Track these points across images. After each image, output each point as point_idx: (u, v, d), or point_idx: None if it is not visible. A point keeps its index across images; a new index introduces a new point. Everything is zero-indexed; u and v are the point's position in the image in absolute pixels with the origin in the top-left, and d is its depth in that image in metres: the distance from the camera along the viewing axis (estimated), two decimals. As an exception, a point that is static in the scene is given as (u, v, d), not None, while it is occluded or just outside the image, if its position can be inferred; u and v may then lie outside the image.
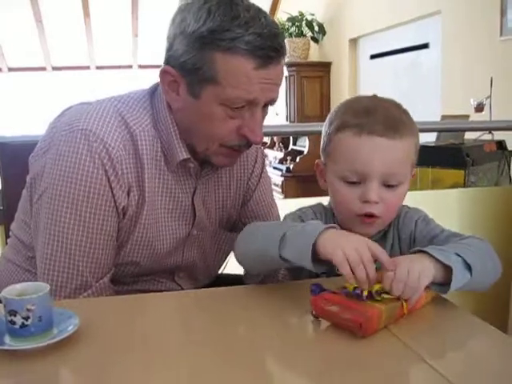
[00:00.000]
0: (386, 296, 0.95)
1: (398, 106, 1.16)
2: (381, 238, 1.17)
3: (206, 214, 1.32)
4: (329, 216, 1.20)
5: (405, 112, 1.16)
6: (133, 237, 1.22)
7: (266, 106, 1.19)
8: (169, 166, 1.23)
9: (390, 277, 0.94)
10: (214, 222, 1.35)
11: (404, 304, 0.95)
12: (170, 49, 1.16)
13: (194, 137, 1.20)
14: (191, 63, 1.12)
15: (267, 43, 1.10)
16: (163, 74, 1.17)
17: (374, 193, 1.08)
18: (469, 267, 0.99)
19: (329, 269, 1.00)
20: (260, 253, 1.09)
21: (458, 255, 1.00)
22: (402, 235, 1.17)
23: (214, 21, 1.09)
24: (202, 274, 1.41)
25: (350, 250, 0.93)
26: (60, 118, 1.26)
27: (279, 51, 1.13)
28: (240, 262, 1.19)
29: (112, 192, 1.16)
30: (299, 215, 1.19)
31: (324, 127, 1.18)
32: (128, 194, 1.19)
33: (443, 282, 0.98)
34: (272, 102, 1.18)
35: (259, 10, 1.14)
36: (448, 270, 0.97)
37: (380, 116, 1.09)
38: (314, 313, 0.96)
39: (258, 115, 1.16)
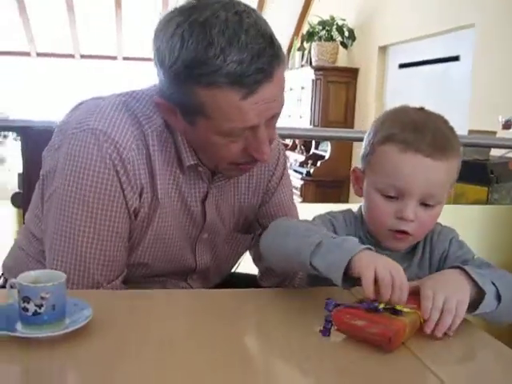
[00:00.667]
0: (405, 309, 0.93)
1: (446, 123, 1.13)
2: (409, 252, 1.15)
3: (220, 219, 1.29)
4: (358, 224, 1.18)
5: (452, 130, 1.12)
6: (145, 239, 1.20)
7: (271, 119, 1.11)
8: (180, 168, 1.20)
9: (428, 301, 0.94)
10: (228, 226, 1.33)
11: (420, 316, 0.94)
12: (158, 75, 1.10)
13: (202, 156, 1.18)
14: (178, 97, 1.07)
15: (251, 68, 1.00)
16: (157, 104, 1.14)
17: (411, 211, 1.06)
18: (499, 298, 0.99)
19: (353, 284, 0.98)
20: (289, 253, 1.05)
21: (493, 284, 0.99)
22: (435, 251, 1.15)
23: (187, 51, 1.00)
24: (214, 276, 1.39)
25: (383, 269, 0.92)
26: (73, 112, 1.23)
27: (268, 69, 1.02)
28: (264, 255, 1.16)
29: (123, 193, 1.13)
30: (329, 219, 1.18)
31: (368, 135, 1.15)
32: (140, 196, 1.16)
33: (470, 304, 0.97)
34: (275, 116, 1.11)
35: (239, 24, 1.01)
36: (479, 293, 0.97)
37: (428, 134, 1.06)
38: (335, 327, 0.93)
39: (261, 135, 1.09)
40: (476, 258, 1.14)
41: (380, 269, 0.92)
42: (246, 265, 1.45)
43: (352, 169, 1.18)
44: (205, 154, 1.17)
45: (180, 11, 1.04)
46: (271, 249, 1.13)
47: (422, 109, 1.15)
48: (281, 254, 1.09)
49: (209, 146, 1.12)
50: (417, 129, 1.07)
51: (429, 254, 1.15)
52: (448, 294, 0.94)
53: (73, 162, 1.13)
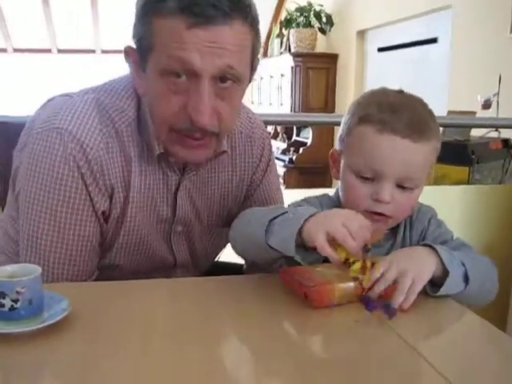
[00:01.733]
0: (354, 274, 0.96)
1: (424, 106, 1.12)
2: (391, 230, 1.15)
3: (195, 211, 1.26)
4: (335, 207, 1.17)
5: (430, 113, 1.12)
6: (118, 239, 1.18)
7: (225, 81, 1.03)
8: (151, 161, 1.16)
9: (377, 271, 0.96)
10: (205, 219, 1.30)
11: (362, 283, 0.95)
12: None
13: (154, 128, 1.12)
14: (137, 34, 1.06)
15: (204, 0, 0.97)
16: (126, 54, 1.11)
17: (387, 193, 1.05)
18: (467, 280, 0.99)
19: (318, 258, 0.98)
20: (249, 238, 1.05)
21: (463, 265, 1.00)
22: (414, 231, 1.15)
23: None
24: (197, 269, 1.36)
25: (334, 227, 0.92)
26: (41, 110, 1.20)
27: (222, 10, 0.98)
28: (233, 246, 1.15)
29: (90, 196, 1.10)
30: (303, 205, 1.16)
31: (345, 116, 1.14)
32: (111, 197, 1.13)
33: (435, 282, 0.99)
34: (227, 71, 1.02)
35: None
36: (445, 273, 0.98)
37: (405, 115, 1.05)
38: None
39: (202, 89, 1.01)
40: (455, 238, 1.14)
41: (330, 228, 0.92)
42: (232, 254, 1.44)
43: (330, 151, 1.18)
44: (153, 118, 1.11)
45: None
46: (236, 239, 1.13)
47: (401, 91, 1.14)
48: (245, 242, 1.09)
49: (153, 98, 1.07)
50: (394, 110, 1.06)
51: (409, 233, 1.15)
52: (406, 268, 0.94)
53: (36, 162, 1.09)
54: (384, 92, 1.14)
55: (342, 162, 1.13)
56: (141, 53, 1.06)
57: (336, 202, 1.18)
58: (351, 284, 0.96)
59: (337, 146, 1.17)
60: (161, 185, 1.19)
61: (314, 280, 0.95)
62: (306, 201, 1.17)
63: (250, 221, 1.08)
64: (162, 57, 1.01)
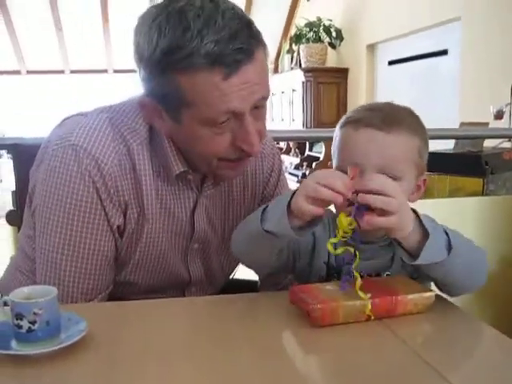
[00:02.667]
0: (360, 293, 0.95)
1: (406, 109, 1.15)
2: (390, 244, 1.14)
3: (211, 228, 1.27)
4: (334, 222, 1.17)
5: (412, 114, 1.15)
6: (134, 256, 1.19)
7: (257, 108, 1.08)
8: (167, 179, 1.18)
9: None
10: (221, 235, 1.31)
11: (369, 306, 0.95)
12: (139, 75, 1.09)
13: (191, 158, 1.15)
14: (159, 90, 1.05)
15: (229, 47, 0.98)
16: (141, 106, 1.12)
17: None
18: (449, 248, 0.98)
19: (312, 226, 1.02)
20: (248, 235, 1.09)
21: (446, 234, 0.99)
22: None
23: (165, 40, 0.99)
24: (210, 286, 1.36)
25: (311, 190, 0.96)
26: (56, 129, 1.22)
27: (248, 49, 1.00)
28: (237, 254, 1.17)
29: (104, 210, 1.12)
30: None
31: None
32: (125, 213, 1.15)
33: (414, 254, 0.98)
34: (261, 101, 1.07)
35: (214, 8, 1.00)
36: (425, 236, 0.97)
37: (381, 112, 1.10)
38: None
39: (247, 125, 1.06)
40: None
41: (309, 191, 0.96)
42: (246, 271, 1.44)
43: (327, 166, 1.20)
44: (194, 154, 1.13)
45: (155, 6, 1.05)
46: (237, 242, 1.15)
47: (390, 102, 1.18)
48: (245, 240, 1.12)
49: (196, 141, 1.09)
50: (371, 109, 1.12)
51: None
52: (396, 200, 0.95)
53: (52, 178, 1.12)
54: (370, 102, 1.21)
55: (333, 168, 1.16)
56: (168, 106, 1.07)
57: (334, 216, 1.18)
58: (357, 303, 0.95)
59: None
60: (178, 203, 1.21)
61: (319, 298, 0.95)
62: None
63: (246, 221, 1.12)
64: (203, 111, 1.03)
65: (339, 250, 1.00)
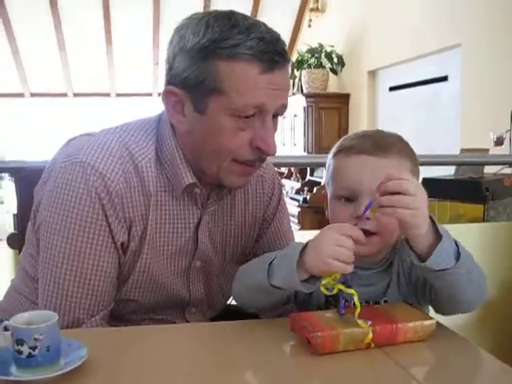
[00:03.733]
0: (360, 321, 0.95)
1: (395, 136, 1.18)
2: (386, 269, 1.15)
3: (213, 246, 1.28)
4: None
5: (403, 141, 1.17)
6: (135, 272, 1.19)
7: (275, 116, 1.14)
8: (174, 195, 1.19)
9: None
10: (222, 255, 1.31)
11: (369, 334, 0.94)
12: (170, 69, 1.13)
13: (203, 159, 1.16)
14: (194, 77, 1.09)
15: (270, 47, 1.07)
16: (166, 95, 1.15)
17: (364, 208, 1.07)
18: (457, 257, 0.97)
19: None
20: (253, 287, 1.10)
21: (455, 243, 0.99)
22: (404, 265, 1.14)
23: (213, 32, 1.07)
24: (210, 308, 1.36)
25: (332, 251, 0.98)
26: (63, 148, 1.24)
27: (283, 55, 1.10)
28: (239, 302, 1.19)
29: (109, 227, 1.13)
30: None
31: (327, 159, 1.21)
32: (129, 230, 1.16)
33: (423, 257, 0.98)
34: (282, 109, 1.14)
35: (257, 20, 1.12)
36: (437, 239, 0.97)
37: (372, 139, 1.13)
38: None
39: (269, 123, 1.12)
40: None
41: (330, 253, 0.98)
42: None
43: (321, 194, 1.21)
44: (208, 153, 1.15)
45: (201, 12, 1.14)
46: (239, 294, 1.17)
47: (379, 130, 1.22)
48: (248, 294, 1.14)
49: (217, 135, 1.11)
50: (363, 136, 1.15)
51: (401, 269, 1.14)
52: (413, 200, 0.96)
53: (58, 194, 1.13)
54: (361, 130, 1.22)
55: (328, 196, 1.17)
56: (198, 94, 1.11)
57: None
58: (358, 330, 0.94)
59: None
60: (182, 219, 1.22)
61: (319, 326, 0.95)
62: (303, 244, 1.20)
63: (249, 272, 1.13)
64: (233, 100, 1.08)
65: (334, 291, 1.00)
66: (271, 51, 1.07)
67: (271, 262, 1.06)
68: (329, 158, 1.18)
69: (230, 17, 1.09)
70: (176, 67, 1.12)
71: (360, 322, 0.95)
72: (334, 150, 1.17)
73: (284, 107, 1.14)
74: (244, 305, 1.20)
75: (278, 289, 1.04)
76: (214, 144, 1.13)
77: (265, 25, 1.11)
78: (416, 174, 1.16)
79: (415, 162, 1.16)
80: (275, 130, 1.17)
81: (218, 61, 1.07)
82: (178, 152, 1.17)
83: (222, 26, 1.07)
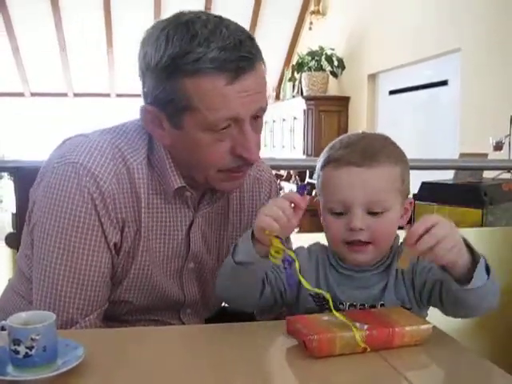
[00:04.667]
0: (354, 324, 0.95)
1: (381, 138, 1.17)
2: (384, 271, 1.14)
3: (206, 248, 1.28)
4: (324, 253, 1.18)
5: (388, 142, 1.16)
6: (129, 274, 1.19)
7: (256, 118, 1.12)
8: (165, 197, 1.19)
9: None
10: (215, 256, 1.31)
11: (359, 340, 0.94)
12: (143, 86, 1.13)
13: (190, 169, 1.17)
14: (163, 96, 1.08)
15: (233, 54, 1.04)
16: (142, 113, 1.14)
17: (356, 220, 1.08)
18: (488, 270, 0.98)
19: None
20: (224, 272, 1.11)
21: (482, 256, 0.99)
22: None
23: (173, 46, 1.05)
24: (207, 310, 1.37)
25: (260, 220, 1.00)
26: (58, 148, 1.24)
27: (250, 58, 1.07)
28: (219, 295, 1.18)
29: (102, 227, 1.13)
30: None
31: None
32: (122, 230, 1.16)
33: (462, 280, 0.98)
34: (260, 112, 1.12)
35: (219, 20, 1.08)
36: (473, 261, 0.97)
37: (358, 148, 1.11)
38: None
39: (247, 131, 1.10)
40: None
41: (257, 222, 1.01)
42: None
43: (315, 201, 1.20)
44: (192, 165, 1.15)
45: (162, 20, 1.11)
46: (219, 286, 1.15)
47: (362, 132, 1.20)
48: (223, 282, 1.13)
49: (197, 149, 1.11)
50: (347, 146, 1.12)
51: (400, 272, 1.14)
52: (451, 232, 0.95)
53: (51, 194, 1.13)
54: (347, 135, 1.20)
55: (321, 207, 1.16)
56: (171, 112, 1.10)
57: (325, 249, 1.19)
58: (354, 334, 0.94)
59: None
60: (174, 221, 1.22)
61: (315, 329, 0.95)
62: (296, 251, 1.19)
63: (224, 263, 1.13)
64: (205, 116, 1.06)
65: (273, 252, 1.01)
66: (235, 59, 1.04)
67: (236, 244, 1.08)
68: (317, 168, 1.17)
69: (189, 26, 1.06)
70: (147, 85, 1.12)
71: (353, 329, 0.94)
72: (321, 160, 1.15)
73: (262, 109, 1.12)
74: (224, 297, 1.20)
75: (241, 265, 1.04)
76: (196, 157, 1.13)
77: (227, 26, 1.07)
78: (406, 175, 1.15)
79: (404, 163, 1.15)
80: (260, 129, 1.16)
81: (183, 78, 1.06)
82: (167, 157, 1.17)
83: (181, 39, 1.04)
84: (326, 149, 1.17)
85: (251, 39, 1.09)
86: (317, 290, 1.05)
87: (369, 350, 0.95)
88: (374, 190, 1.08)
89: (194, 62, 1.04)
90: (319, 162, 1.16)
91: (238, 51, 1.05)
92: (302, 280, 1.00)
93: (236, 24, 1.10)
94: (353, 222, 1.08)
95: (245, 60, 1.06)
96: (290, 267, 1.01)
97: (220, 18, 1.09)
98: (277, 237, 1.00)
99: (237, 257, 1.06)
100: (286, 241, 1.07)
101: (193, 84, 1.05)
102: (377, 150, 1.11)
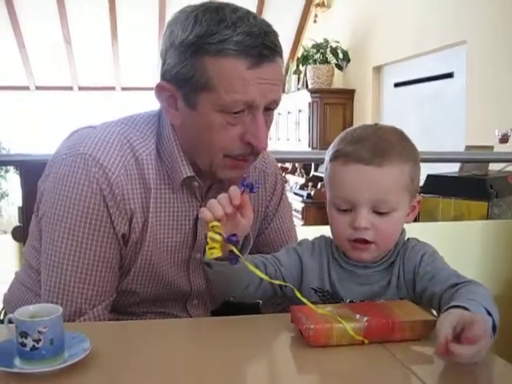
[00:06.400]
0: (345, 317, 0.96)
1: (394, 133, 1.13)
2: (387, 268, 1.14)
3: None
4: (328, 247, 1.18)
5: (401, 138, 1.13)
6: (136, 264, 1.20)
7: (268, 110, 1.14)
8: (173, 188, 1.20)
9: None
10: None
11: (354, 330, 0.94)
12: (163, 64, 1.14)
13: (197, 152, 1.17)
14: (183, 73, 1.10)
15: (258, 41, 1.07)
16: (159, 90, 1.15)
17: (362, 219, 1.07)
18: (494, 328, 0.94)
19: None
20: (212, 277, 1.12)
21: (489, 314, 0.94)
22: (406, 268, 1.12)
23: (200, 27, 1.07)
24: (213, 301, 1.37)
25: (209, 202, 1.01)
26: (66, 140, 1.25)
27: (272, 49, 1.09)
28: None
29: (110, 218, 1.14)
30: (294, 247, 1.19)
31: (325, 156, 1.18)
32: (130, 221, 1.16)
33: None
34: (273, 104, 1.14)
35: (248, 11, 1.11)
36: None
37: (369, 143, 1.08)
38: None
39: (260, 119, 1.11)
40: (446, 269, 1.09)
41: (208, 203, 1.01)
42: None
43: (321, 191, 1.20)
44: (201, 147, 1.16)
45: (192, 5, 1.13)
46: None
47: (375, 124, 1.17)
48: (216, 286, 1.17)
49: (207, 131, 1.12)
50: (358, 141, 1.09)
51: (402, 272, 1.13)
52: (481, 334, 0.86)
53: (60, 185, 1.14)
54: (357, 128, 1.17)
55: (327, 199, 1.15)
56: (188, 90, 1.11)
57: (329, 242, 1.19)
58: (352, 325, 0.94)
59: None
60: (182, 212, 1.22)
61: (314, 319, 0.95)
62: (300, 243, 1.21)
63: None
64: (222, 97, 1.08)
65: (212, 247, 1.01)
66: (259, 45, 1.07)
67: None
68: (326, 160, 1.16)
69: (219, 10, 1.08)
70: (167, 63, 1.13)
71: (349, 330, 0.94)
72: (330, 152, 1.14)
73: (275, 102, 1.14)
74: (219, 293, 1.24)
75: (208, 265, 1.05)
76: (206, 139, 1.14)
77: (255, 17, 1.10)
78: (416, 173, 1.13)
79: (414, 160, 1.12)
80: (270, 123, 1.17)
81: (206, 57, 1.07)
82: (177, 145, 1.18)
83: (209, 21, 1.07)
84: (337, 140, 1.14)
85: (275, 34, 1.12)
86: (276, 282, 1.05)
87: (367, 342, 0.95)
88: (382, 190, 1.07)
89: (219, 43, 1.06)
90: (328, 154, 1.15)
91: (262, 39, 1.07)
92: (251, 267, 1.01)
93: (263, 19, 1.13)
94: (357, 220, 1.07)
95: (268, 49, 1.08)
96: (235, 261, 1.01)
97: (249, 10, 1.12)
98: (219, 234, 0.99)
99: (205, 259, 1.06)
100: (246, 240, 1.07)
101: (214, 64, 1.07)
102: (388, 147, 1.09)
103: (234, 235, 1.00)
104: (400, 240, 1.14)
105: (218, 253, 0.99)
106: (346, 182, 1.08)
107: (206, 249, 1.00)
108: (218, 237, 0.98)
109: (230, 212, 1.00)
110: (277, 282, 1.06)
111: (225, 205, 0.99)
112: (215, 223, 0.98)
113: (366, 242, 1.09)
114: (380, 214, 1.08)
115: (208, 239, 0.99)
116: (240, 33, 1.06)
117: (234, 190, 1.00)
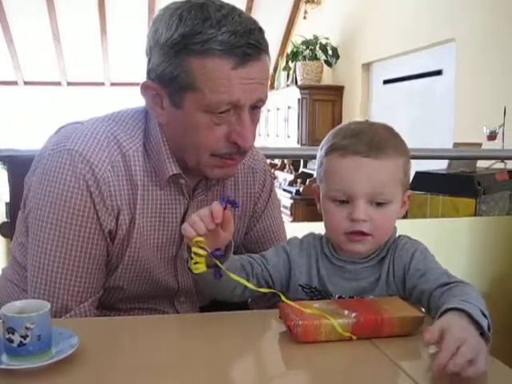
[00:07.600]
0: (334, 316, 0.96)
1: (386, 129, 1.16)
2: (376, 264, 1.14)
3: None
4: (317, 243, 1.18)
5: (393, 134, 1.16)
6: (123, 261, 1.20)
7: (255, 108, 1.14)
8: (160, 185, 1.20)
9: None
10: None
11: (342, 326, 0.95)
12: (148, 62, 1.14)
13: (183, 150, 1.17)
14: (168, 72, 1.09)
15: (242, 40, 1.06)
16: (144, 89, 1.15)
17: (360, 211, 1.08)
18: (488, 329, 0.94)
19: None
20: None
21: (484, 316, 0.94)
22: (396, 265, 1.13)
23: (185, 26, 1.06)
24: (201, 298, 1.37)
25: (190, 218, 1.02)
26: (53, 136, 1.25)
27: (257, 47, 1.09)
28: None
29: (97, 214, 1.14)
30: (282, 246, 1.20)
31: (318, 152, 1.19)
32: (117, 218, 1.16)
33: None
34: (259, 102, 1.13)
35: (233, 8, 1.10)
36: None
37: (365, 137, 1.10)
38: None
39: (245, 118, 1.11)
40: (436, 268, 1.09)
41: (189, 219, 1.03)
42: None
43: (312, 187, 1.20)
44: (187, 146, 1.16)
45: (177, 2, 1.12)
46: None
47: (366, 120, 1.20)
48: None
49: (193, 130, 1.12)
50: (354, 135, 1.11)
51: (392, 269, 1.13)
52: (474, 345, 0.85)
53: (47, 181, 1.14)
54: (349, 123, 1.19)
55: (321, 193, 1.16)
56: (173, 89, 1.11)
57: (318, 239, 1.19)
58: (340, 321, 0.95)
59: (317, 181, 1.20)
60: (169, 208, 1.22)
61: (302, 315, 0.96)
62: (289, 241, 1.21)
63: None
64: (207, 97, 1.08)
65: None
66: (243, 45, 1.06)
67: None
68: (320, 155, 1.16)
69: (203, 8, 1.08)
70: (152, 61, 1.12)
71: (338, 327, 0.94)
72: (325, 147, 1.15)
73: (261, 100, 1.13)
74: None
75: (191, 271, 1.05)
76: (192, 138, 1.13)
77: (240, 14, 1.09)
78: (408, 167, 1.15)
79: (407, 155, 1.15)
80: (257, 121, 1.17)
81: (190, 57, 1.07)
82: (164, 143, 1.18)
83: (194, 19, 1.06)
84: (330, 136, 1.16)
85: (261, 31, 1.12)
86: (262, 290, 1.06)
87: (355, 338, 0.95)
88: (380, 182, 1.08)
89: (204, 43, 1.05)
90: (322, 149, 1.16)
91: (247, 38, 1.07)
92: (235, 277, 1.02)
93: (249, 15, 1.13)
94: (356, 212, 1.08)
95: (252, 48, 1.08)
96: (219, 276, 1.02)
97: (234, 7, 1.11)
98: (203, 248, 1.00)
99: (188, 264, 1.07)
100: (227, 251, 1.07)
101: (199, 64, 1.06)
102: (384, 141, 1.11)
103: (218, 249, 1.01)
104: (391, 236, 1.15)
105: (203, 267, 1.01)
106: (344, 174, 1.09)
107: (191, 263, 1.01)
108: (202, 252, 0.99)
109: (212, 229, 1.01)
110: (262, 291, 1.07)
111: (207, 223, 1.00)
112: (199, 238, 0.99)
113: (363, 234, 1.09)
114: (377, 205, 1.09)
115: (192, 254, 1.00)
116: (225, 32, 1.05)
117: (216, 207, 1.01)
